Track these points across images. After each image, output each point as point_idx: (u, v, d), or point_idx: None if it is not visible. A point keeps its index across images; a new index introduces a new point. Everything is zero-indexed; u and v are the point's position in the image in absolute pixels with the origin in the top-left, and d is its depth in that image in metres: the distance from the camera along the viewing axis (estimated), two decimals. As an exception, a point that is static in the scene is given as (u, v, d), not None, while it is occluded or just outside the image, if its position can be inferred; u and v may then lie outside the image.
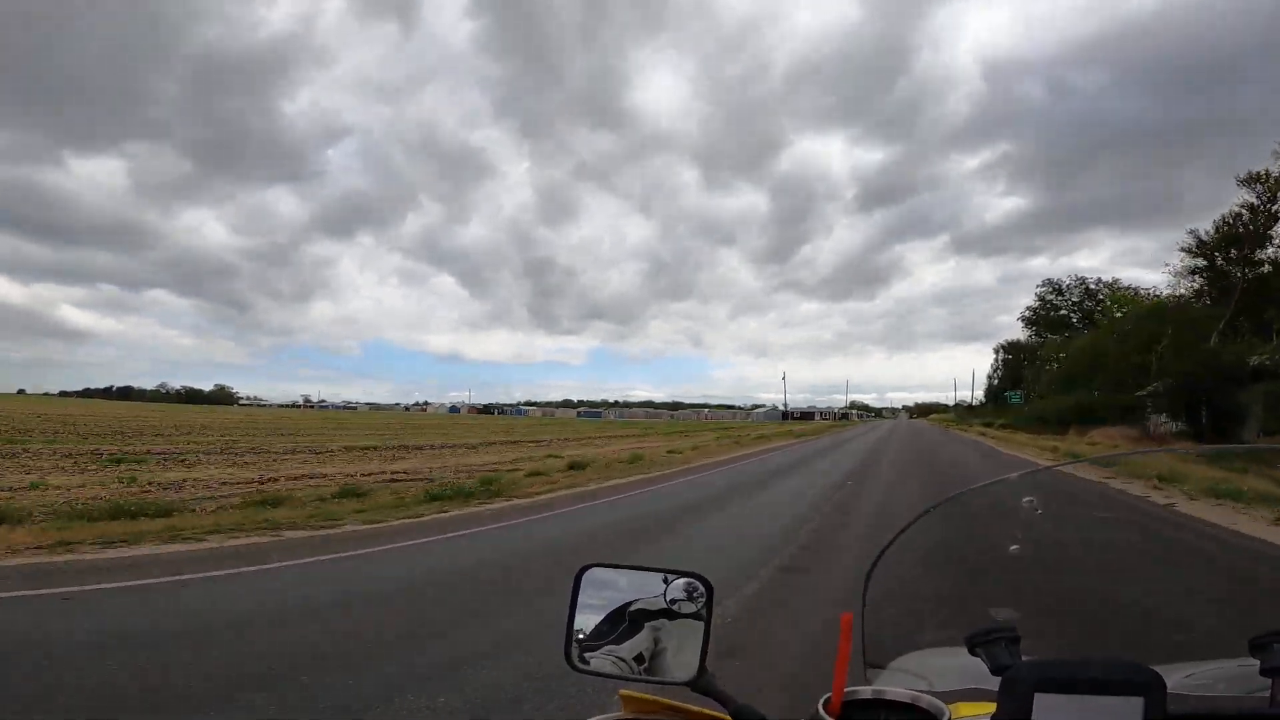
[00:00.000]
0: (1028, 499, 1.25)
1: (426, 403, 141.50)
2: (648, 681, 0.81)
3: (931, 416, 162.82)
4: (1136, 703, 0.66)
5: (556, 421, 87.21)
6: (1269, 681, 0.81)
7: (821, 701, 0.75)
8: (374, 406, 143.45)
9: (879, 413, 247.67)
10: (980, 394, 79.29)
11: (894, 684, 0.82)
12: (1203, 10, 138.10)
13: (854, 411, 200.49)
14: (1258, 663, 0.84)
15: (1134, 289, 48.66)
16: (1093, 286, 55.66)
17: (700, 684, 0.78)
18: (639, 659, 0.81)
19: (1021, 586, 1.53)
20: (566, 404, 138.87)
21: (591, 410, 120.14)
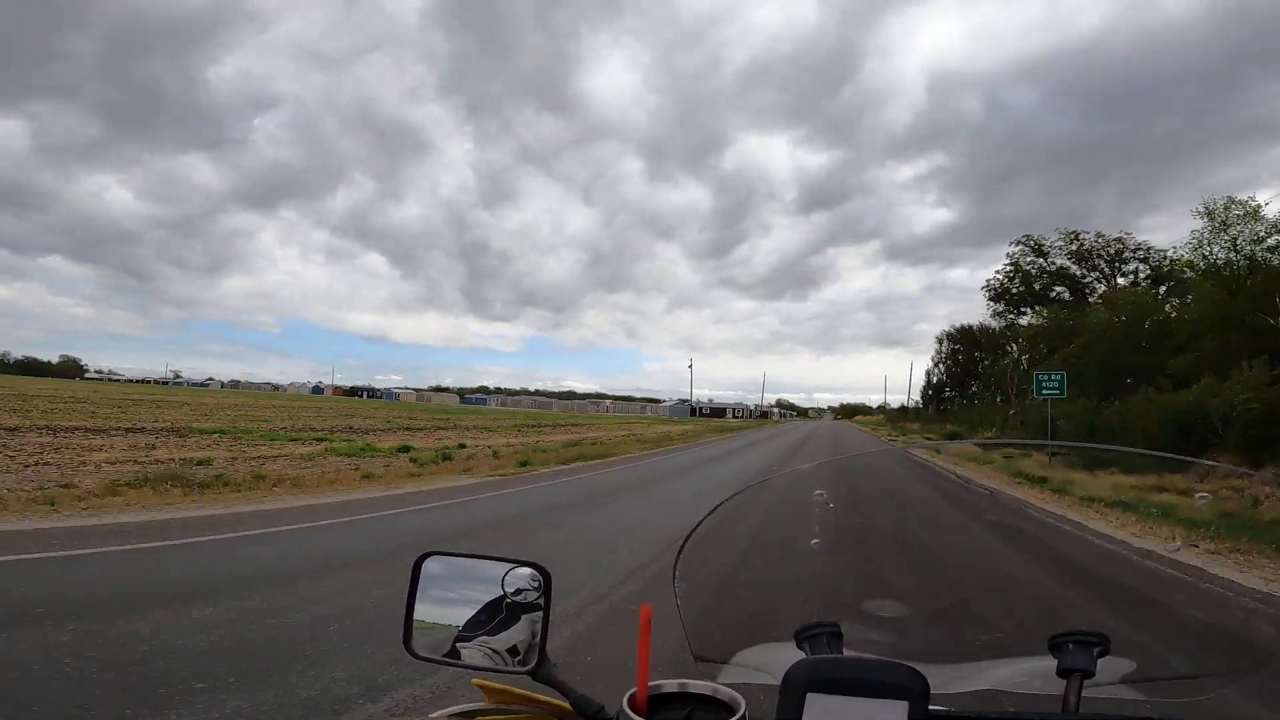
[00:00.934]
0: (818, 492, 1.32)
1: (281, 385, 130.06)
2: (489, 670, 0.82)
3: (857, 418, 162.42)
4: (901, 706, 0.67)
5: (422, 407, 75.11)
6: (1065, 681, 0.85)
7: (627, 697, 0.75)
8: (232, 384, 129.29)
9: (804, 412, 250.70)
10: (916, 395, 70.44)
11: (735, 678, 0.89)
12: (1137, 37, 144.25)
13: (776, 410, 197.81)
14: (1056, 662, 0.88)
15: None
16: (1092, 243, 39.54)
17: (541, 673, 0.80)
18: (513, 651, 0.82)
19: (844, 581, 1.56)
20: (440, 390, 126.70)
21: (476, 397, 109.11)
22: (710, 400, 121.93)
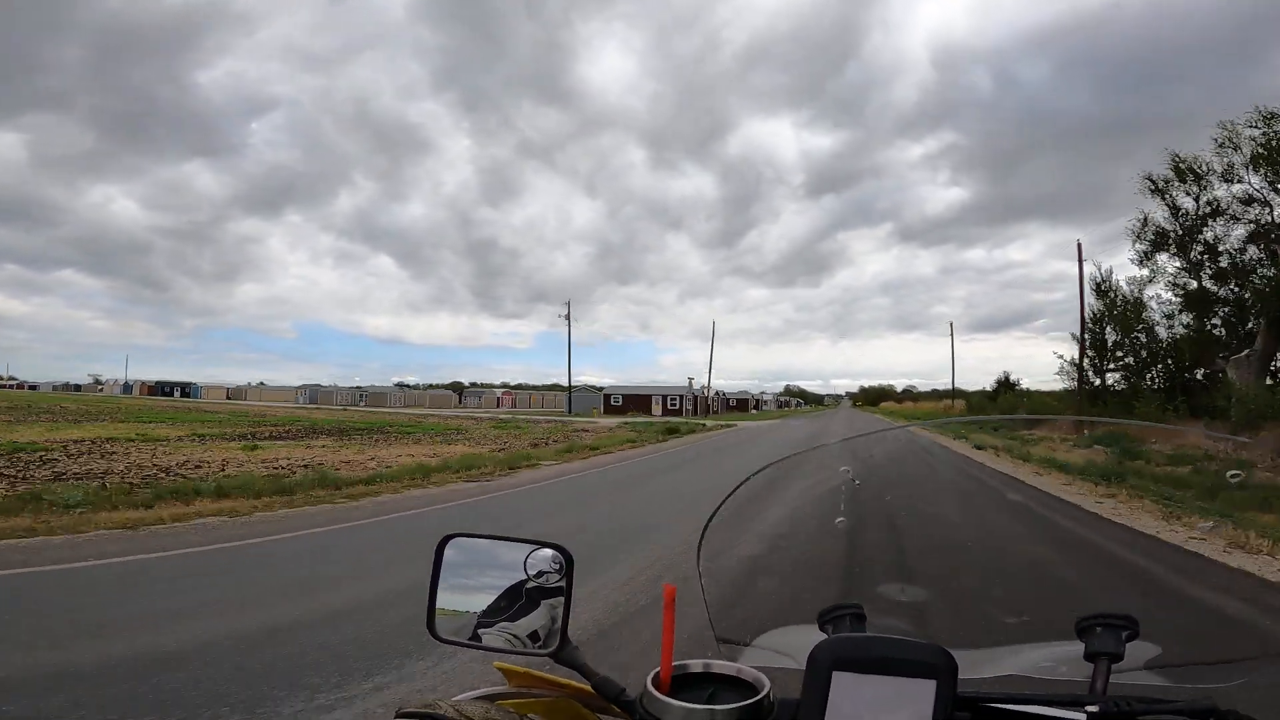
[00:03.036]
0: (844, 468, 1.31)
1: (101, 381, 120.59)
2: (513, 653, 0.82)
3: (884, 405, 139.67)
4: (929, 685, 0.67)
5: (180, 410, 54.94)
6: (1093, 665, 0.85)
7: (650, 676, 0.75)
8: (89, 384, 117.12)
9: (820, 400, 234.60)
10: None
11: (757, 660, 0.88)
12: (1150, 6, 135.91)
13: (767, 400, 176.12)
14: (1083, 646, 0.88)
15: None
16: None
17: (563, 655, 0.81)
18: (534, 636, 0.82)
19: (866, 561, 1.56)
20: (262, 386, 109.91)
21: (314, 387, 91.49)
22: (720, 391, 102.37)
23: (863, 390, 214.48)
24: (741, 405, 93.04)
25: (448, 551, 0.88)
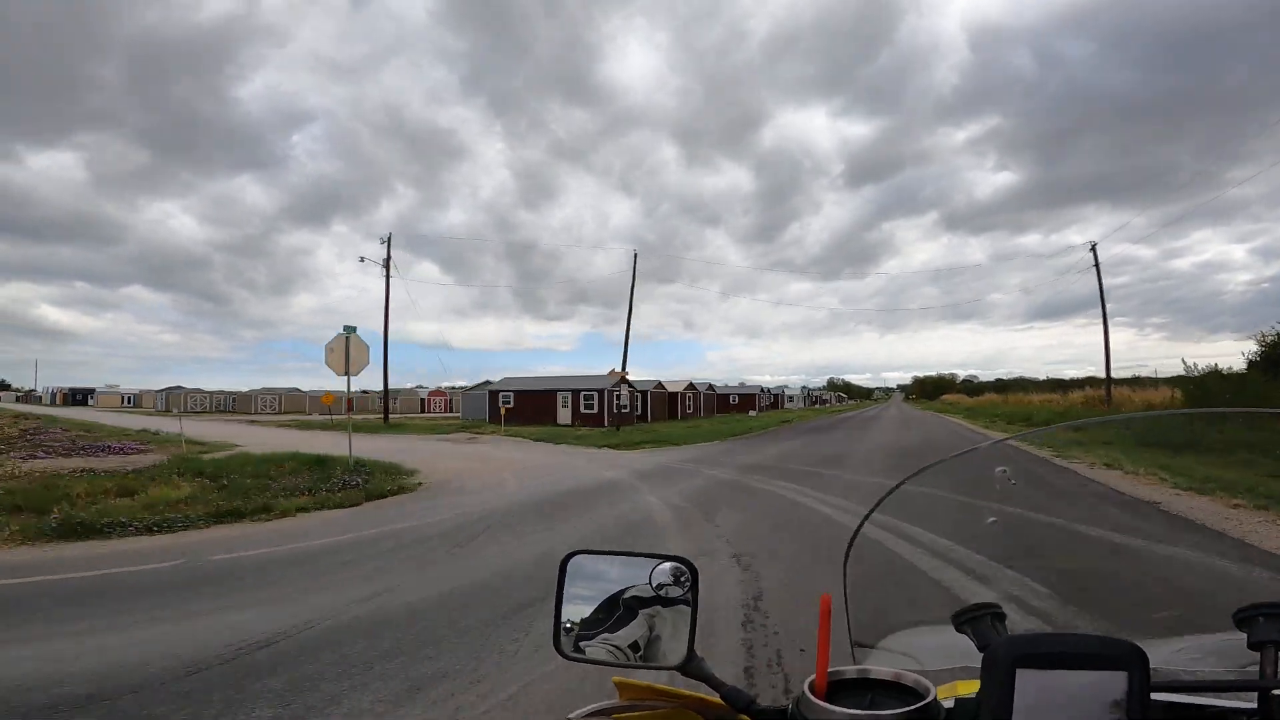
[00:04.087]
0: (1000, 469, 1.28)
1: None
2: (637, 667, 0.81)
3: (945, 397, 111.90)
4: (1120, 676, 0.66)
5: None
6: (1257, 655, 0.82)
7: (807, 683, 0.75)
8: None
9: (869, 394, 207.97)
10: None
11: (883, 663, 0.83)
12: None
13: (830, 395, 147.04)
14: (1244, 636, 0.85)
15: None
16: None
17: (690, 668, 0.79)
18: (634, 646, 0.82)
19: (1005, 561, 1.58)
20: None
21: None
22: (693, 384, 77.32)
23: (917, 382, 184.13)
24: (747, 403, 66.16)
25: (572, 568, 0.87)
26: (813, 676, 0.75)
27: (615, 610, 0.83)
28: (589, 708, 0.78)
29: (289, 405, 67.60)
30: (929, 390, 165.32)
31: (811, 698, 0.72)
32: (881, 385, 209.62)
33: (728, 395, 67.82)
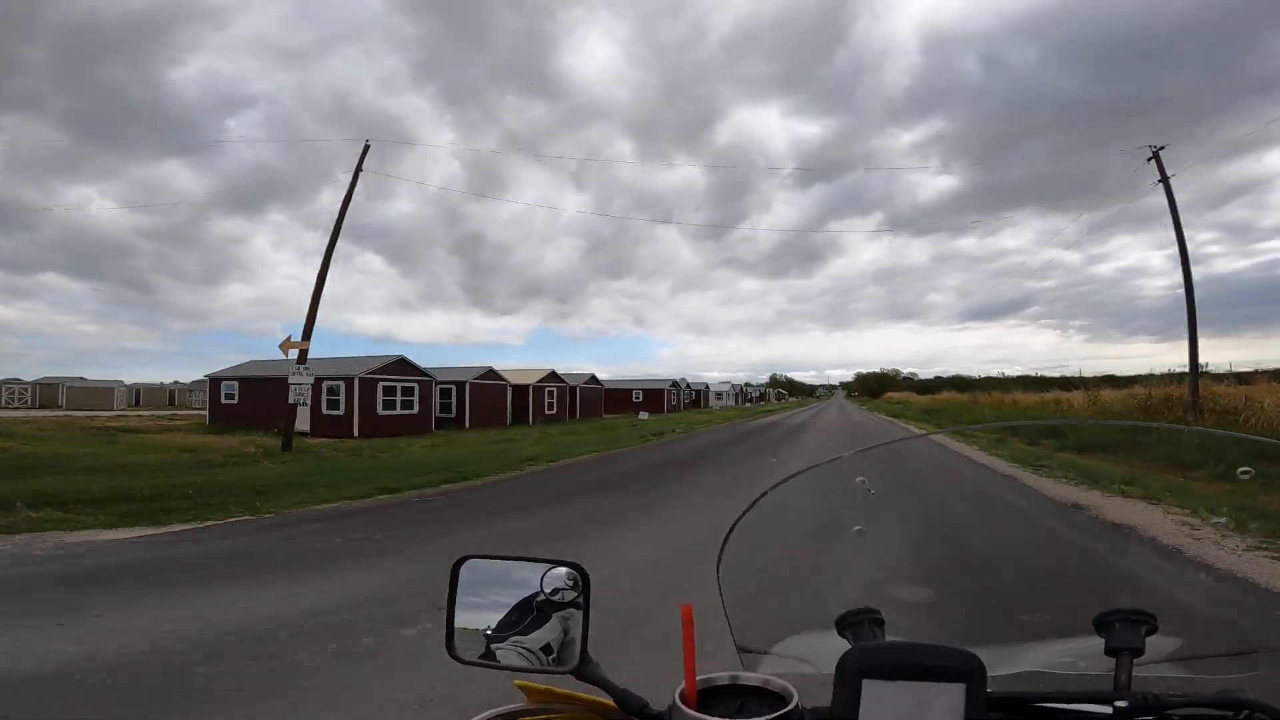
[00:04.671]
0: (860, 479, 1.30)
1: None
2: (531, 671, 0.81)
3: (890, 395, 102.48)
4: (958, 689, 0.67)
5: None
6: (1114, 660, 0.84)
7: (678, 691, 0.74)
8: None
9: (812, 391, 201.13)
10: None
11: (778, 668, 0.88)
12: None
13: (770, 391, 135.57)
14: (1103, 641, 0.87)
15: None
16: None
17: (584, 672, 0.80)
18: (546, 649, 0.82)
19: (882, 566, 1.58)
20: None
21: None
22: (683, 380, 64.09)
23: (859, 379, 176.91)
24: (653, 401, 52.68)
25: (463, 573, 0.87)
26: (683, 685, 0.74)
27: (529, 613, 0.82)
28: (494, 710, 0.79)
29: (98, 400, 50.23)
30: (871, 387, 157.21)
31: (681, 706, 0.72)
32: (825, 382, 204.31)
33: (630, 390, 54.08)
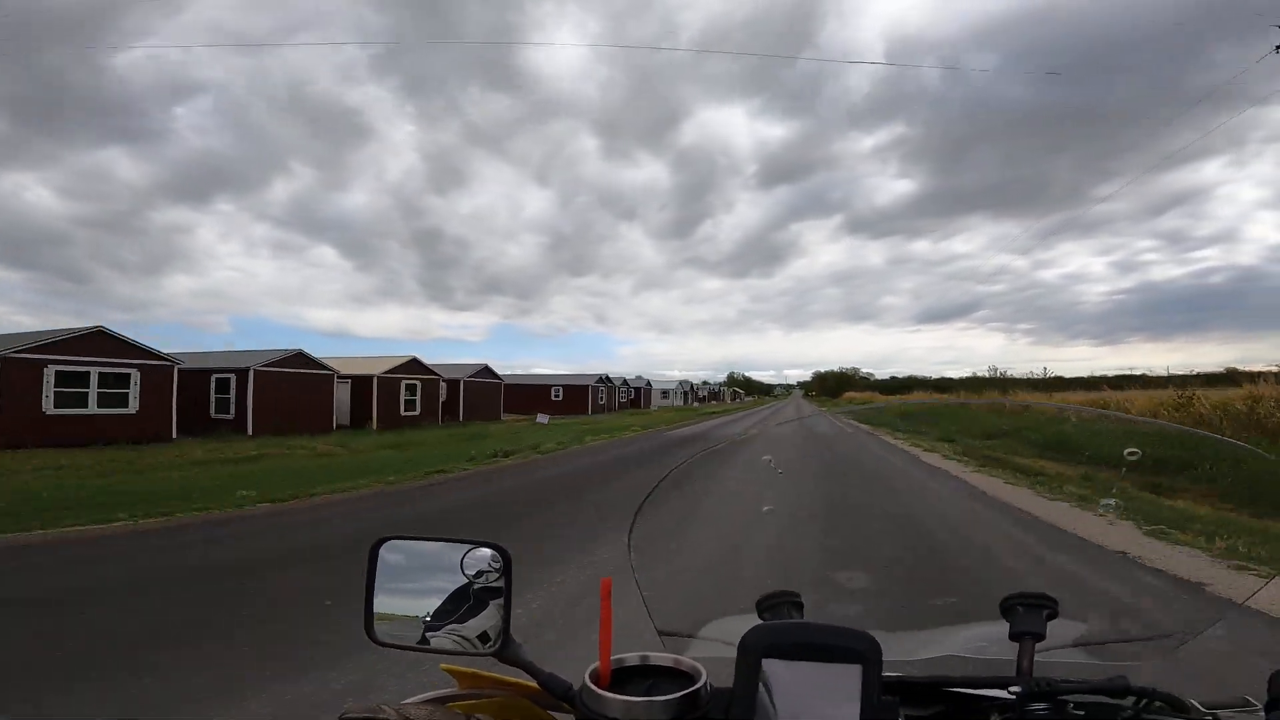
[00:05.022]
0: (766, 457, 1.34)
1: None
2: (452, 654, 0.81)
3: (850, 395, 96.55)
4: (855, 670, 0.68)
5: None
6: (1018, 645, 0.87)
7: (589, 671, 0.75)
8: None
9: (770, 390, 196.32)
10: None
11: (703, 651, 0.87)
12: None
13: (725, 390, 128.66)
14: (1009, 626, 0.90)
15: None
16: None
17: (507, 654, 0.80)
18: (483, 637, 0.81)
19: (800, 548, 1.58)
20: None
21: None
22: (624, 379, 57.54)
23: (818, 378, 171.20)
24: (576, 399, 44.26)
25: (383, 554, 0.84)
26: (595, 665, 0.75)
27: (465, 600, 0.81)
28: (426, 695, 0.78)
29: None
30: (830, 387, 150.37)
31: (591, 686, 0.72)
32: (784, 382, 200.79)
33: (548, 387, 45.50)
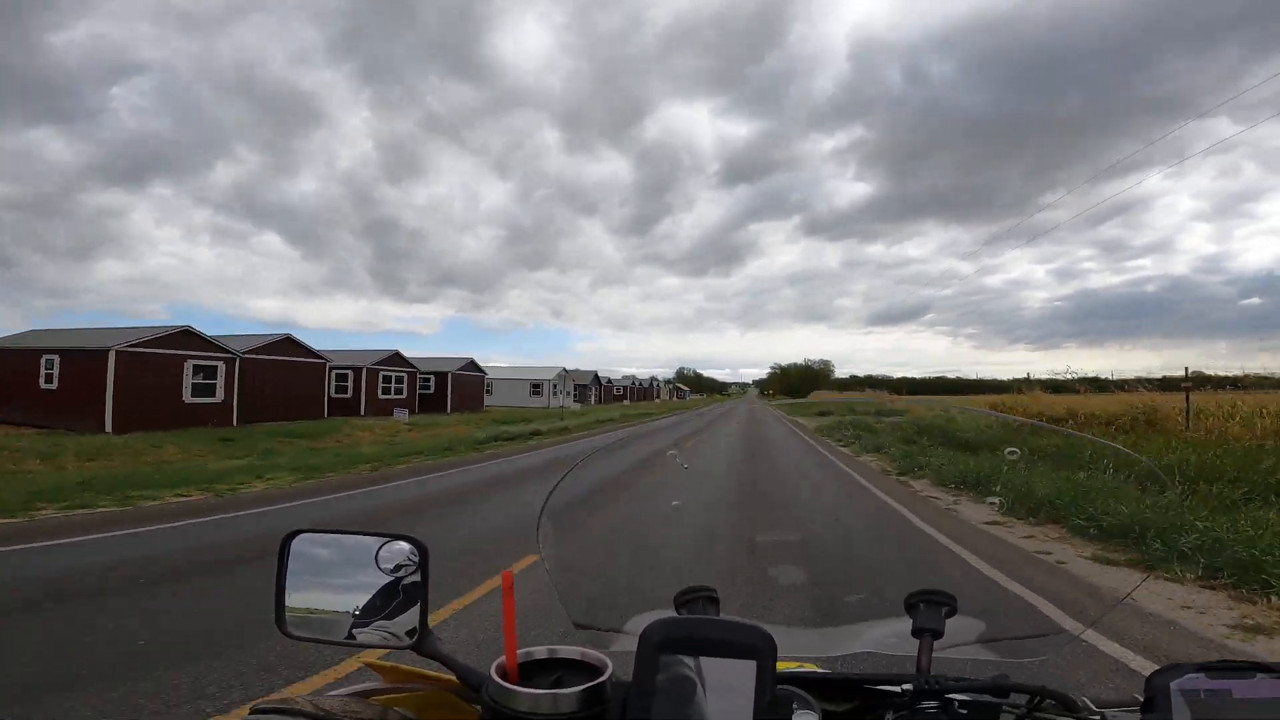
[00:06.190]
0: (671, 452, 1.41)
1: None
2: (367, 646, 0.81)
3: (820, 396, 79.25)
4: (749, 666, 0.69)
5: None
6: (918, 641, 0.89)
7: (495, 665, 0.75)
8: None
9: (725, 389, 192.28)
10: None
11: (627, 646, 0.86)
12: (1055, 8, 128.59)
13: (678, 386, 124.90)
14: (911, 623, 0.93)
15: None
16: None
17: (425, 647, 0.80)
18: (411, 633, 0.81)
19: (716, 542, 1.83)
20: None
21: None
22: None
23: (779, 374, 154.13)
24: (443, 396, 40.06)
25: (295, 547, 0.84)
26: (502, 658, 0.75)
27: (395, 596, 0.80)
28: (350, 688, 0.78)
29: None
30: (792, 385, 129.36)
31: (497, 679, 0.73)
32: (738, 380, 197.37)
33: (388, 376, 40.88)
